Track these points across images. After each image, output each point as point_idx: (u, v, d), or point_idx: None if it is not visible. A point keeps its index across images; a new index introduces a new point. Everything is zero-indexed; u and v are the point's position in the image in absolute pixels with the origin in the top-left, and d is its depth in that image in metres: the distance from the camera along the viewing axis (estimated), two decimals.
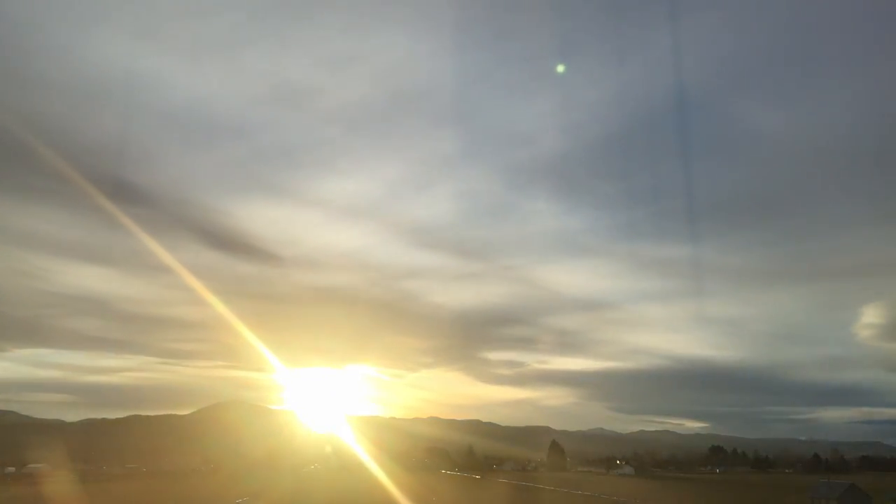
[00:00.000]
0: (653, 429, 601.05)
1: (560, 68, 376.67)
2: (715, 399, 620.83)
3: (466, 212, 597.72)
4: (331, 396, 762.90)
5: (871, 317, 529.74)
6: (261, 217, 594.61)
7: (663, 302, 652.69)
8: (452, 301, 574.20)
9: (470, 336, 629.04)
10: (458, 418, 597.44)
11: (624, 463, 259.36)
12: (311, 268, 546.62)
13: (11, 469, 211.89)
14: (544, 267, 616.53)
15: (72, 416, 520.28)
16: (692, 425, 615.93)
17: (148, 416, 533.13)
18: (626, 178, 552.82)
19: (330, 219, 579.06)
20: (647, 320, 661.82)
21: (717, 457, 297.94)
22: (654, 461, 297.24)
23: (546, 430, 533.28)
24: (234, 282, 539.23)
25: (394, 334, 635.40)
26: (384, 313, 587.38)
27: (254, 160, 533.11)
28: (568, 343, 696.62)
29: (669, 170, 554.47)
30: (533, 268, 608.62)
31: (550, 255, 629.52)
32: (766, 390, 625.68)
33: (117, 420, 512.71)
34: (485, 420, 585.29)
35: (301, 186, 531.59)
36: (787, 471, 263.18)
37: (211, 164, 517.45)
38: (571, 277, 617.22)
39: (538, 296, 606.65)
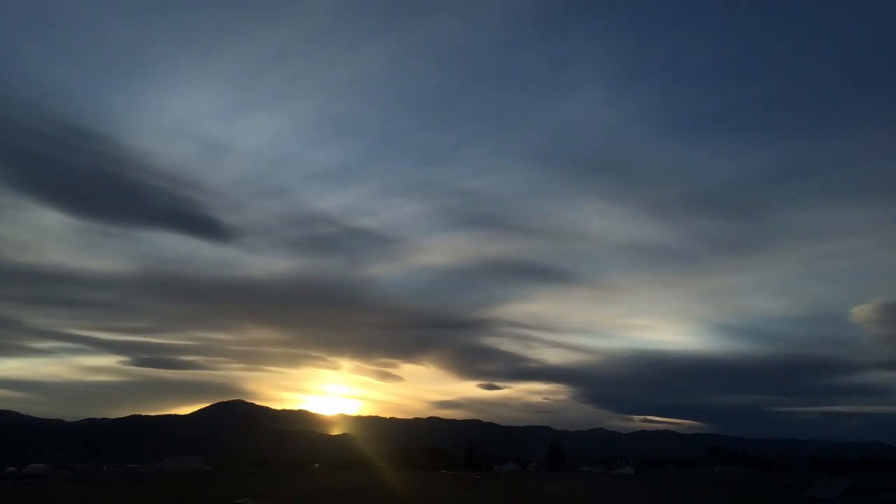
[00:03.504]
0: (653, 429, 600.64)
1: None
2: (716, 398, 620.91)
3: None
4: (330, 396, 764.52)
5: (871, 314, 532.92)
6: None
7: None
8: None
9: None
10: (459, 418, 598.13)
11: (624, 464, 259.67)
12: None
13: (12, 469, 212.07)
14: None
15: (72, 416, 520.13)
16: (692, 425, 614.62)
17: (148, 416, 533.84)
18: None
19: None
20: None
21: (717, 456, 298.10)
22: (654, 461, 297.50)
23: (546, 431, 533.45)
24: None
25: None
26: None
27: None
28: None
29: None
30: None
31: None
32: (767, 389, 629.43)
33: (117, 420, 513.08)
34: (485, 420, 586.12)
35: None
36: (787, 471, 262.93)
37: None
38: None
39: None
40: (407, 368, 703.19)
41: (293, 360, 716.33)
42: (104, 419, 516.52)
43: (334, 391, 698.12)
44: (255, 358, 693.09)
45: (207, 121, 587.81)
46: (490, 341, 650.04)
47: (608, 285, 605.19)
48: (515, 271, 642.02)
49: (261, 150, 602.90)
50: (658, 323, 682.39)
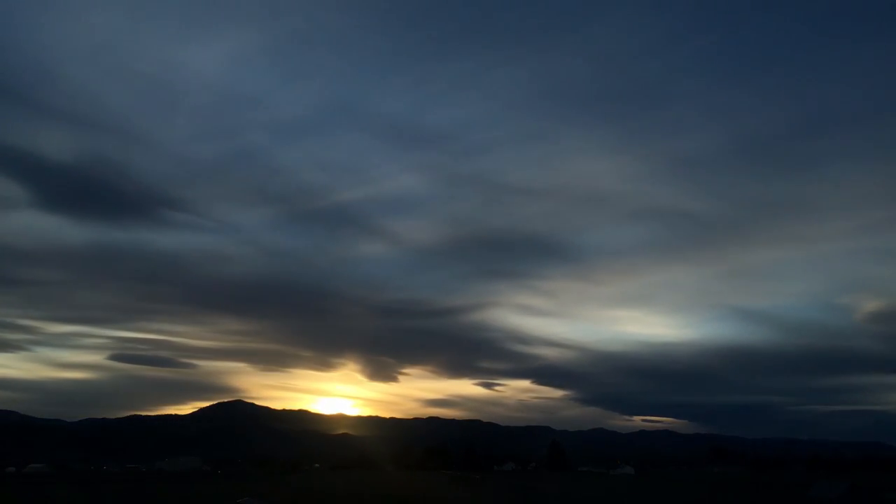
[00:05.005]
0: (653, 429, 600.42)
1: None
2: (716, 398, 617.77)
3: None
4: (330, 396, 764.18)
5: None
6: None
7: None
8: None
9: None
10: (458, 418, 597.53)
11: (624, 464, 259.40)
12: None
13: (12, 469, 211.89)
14: None
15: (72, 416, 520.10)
16: (692, 425, 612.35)
17: (148, 416, 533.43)
18: None
19: None
20: None
21: (717, 456, 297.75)
22: (654, 461, 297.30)
23: (546, 431, 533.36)
24: None
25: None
26: None
27: None
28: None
29: None
30: None
31: None
32: (768, 389, 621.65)
33: (117, 420, 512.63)
34: (485, 420, 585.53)
35: None
36: (787, 470, 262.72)
37: None
38: None
39: None
40: (406, 367, 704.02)
41: (293, 360, 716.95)
42: (104, 419, 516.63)
43: (334, 391, 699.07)
44: (255, 358, 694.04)
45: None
46: (489, 336, 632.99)
47: (610, 268, 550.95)
48: (513, 248, 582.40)
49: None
50: (670, 312, 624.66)
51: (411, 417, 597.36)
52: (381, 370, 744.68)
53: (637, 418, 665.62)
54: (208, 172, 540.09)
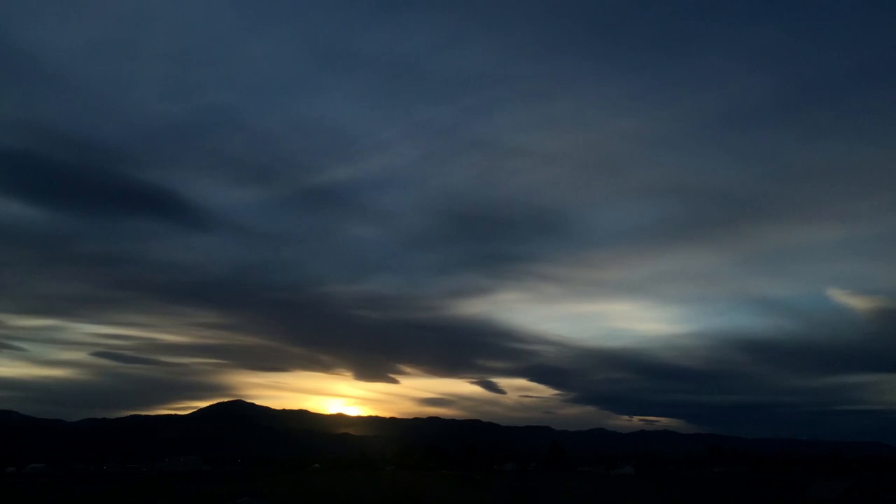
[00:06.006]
0: (653, 429, 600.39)
1: None
2: (716, 398, 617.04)
3: None
4: (330, 396, 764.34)
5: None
6: None
7: None
8: None
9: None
10: (458, 417, 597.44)
11: (624, 464, 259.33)
12: None
13: (12, 469, 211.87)
14: None
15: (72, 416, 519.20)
16: (692, 425, 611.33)
17: (148, 416, 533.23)
18: None
19: None
20: None
21: (717, 456, 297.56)
22: (654, 461, 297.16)
23: (546, 431, 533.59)
24: None
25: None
26: None
27: None
28: None
29: None
30: None
31: None
32: (767, 388, 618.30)
33: (117, 420, 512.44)
34: (485, 420, 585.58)
35: None
36: (787, 471, 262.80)
37: None
38: None
39: None
40: (405, 366, 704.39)
41: (293, 360, 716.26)
42: (104, 419, 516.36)
43: (334, 391, 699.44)
44: (254, 357, 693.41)
45: None
46: (488, 332, 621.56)
47: (617, 251, 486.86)
48: (514, 227, 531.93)
49: None
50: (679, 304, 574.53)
51: (411, 417, 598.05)
52: (380, 369, 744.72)
53: (637, 418, 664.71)
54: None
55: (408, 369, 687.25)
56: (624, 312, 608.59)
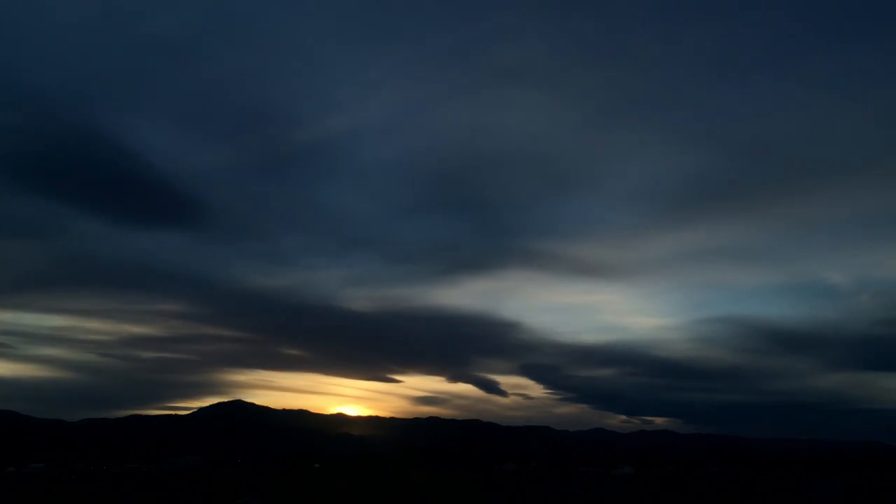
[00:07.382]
0: (653, 429, 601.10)
1: None
2: (716, 397, 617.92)
3: None
4: (330, 396, 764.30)
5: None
6: None
7: None
8: None
9: None
10: (458, 417, 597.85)
11: (624, 464, 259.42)
12: None
13: (12, 469, 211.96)
14: None
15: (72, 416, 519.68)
16: (692, 425, 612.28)
17: (148, 416, 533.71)
18: None
19: None
20: None
21: (717, 456, 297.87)
22: (654, 461, 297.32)
23: (546, 430, 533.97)
24: None
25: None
26: None
27: None
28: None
29: None
30: None
31: None
32: (765, 388, 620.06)
33: (117, 420, 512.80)
34: (484, 420, 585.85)
35: None
36: (786, 471, 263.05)
37: None
38: None
39: None
40: (405, 366, 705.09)
41: (293, 360, 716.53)
42: (104, 419, 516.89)
43: (334, 390, 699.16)
44: (254, 358, 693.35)
45: None
46: (488, 328, 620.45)
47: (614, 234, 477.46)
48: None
49: None
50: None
51: (411, 417, 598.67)
52: (379, 369, 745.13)
53: (637, 419, 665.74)
54: None
55: (406, 368, 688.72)
56: (623, 306, 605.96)
